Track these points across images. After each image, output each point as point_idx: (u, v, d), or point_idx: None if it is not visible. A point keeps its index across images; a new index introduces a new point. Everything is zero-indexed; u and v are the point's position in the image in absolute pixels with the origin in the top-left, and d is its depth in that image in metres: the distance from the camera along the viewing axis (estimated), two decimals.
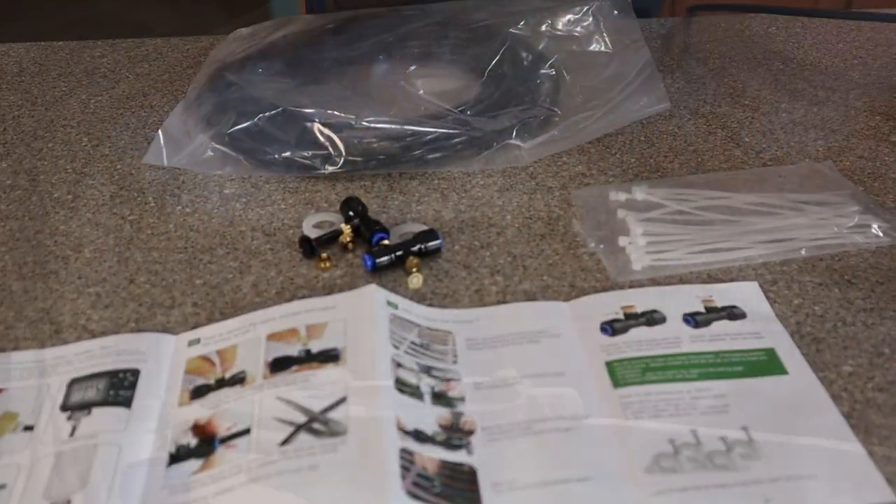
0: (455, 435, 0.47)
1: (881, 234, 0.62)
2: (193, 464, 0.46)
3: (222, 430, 0.47)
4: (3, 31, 3.80)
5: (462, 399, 0.49)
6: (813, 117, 0.78)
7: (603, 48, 0.77)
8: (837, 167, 0.70)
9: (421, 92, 0.72)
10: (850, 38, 0.92)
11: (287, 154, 0.68)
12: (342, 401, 0.47)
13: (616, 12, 0.78)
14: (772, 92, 0.82)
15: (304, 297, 0.57)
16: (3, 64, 0.91)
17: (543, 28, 0.79)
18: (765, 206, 0.65)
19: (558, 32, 0.79)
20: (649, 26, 0.94)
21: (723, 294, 0.57)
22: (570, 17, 0.80)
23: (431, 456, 0.45)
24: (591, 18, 0.79)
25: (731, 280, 0.58)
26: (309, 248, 0.61)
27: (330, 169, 0.68)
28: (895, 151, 0.72)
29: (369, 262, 0.59)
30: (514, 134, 0.70)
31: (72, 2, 4.13)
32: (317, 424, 0.46)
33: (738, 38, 0.92)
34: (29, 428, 0.48)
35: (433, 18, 0.85)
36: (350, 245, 0.61)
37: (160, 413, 0.49)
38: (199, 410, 0.49)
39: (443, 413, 0.48)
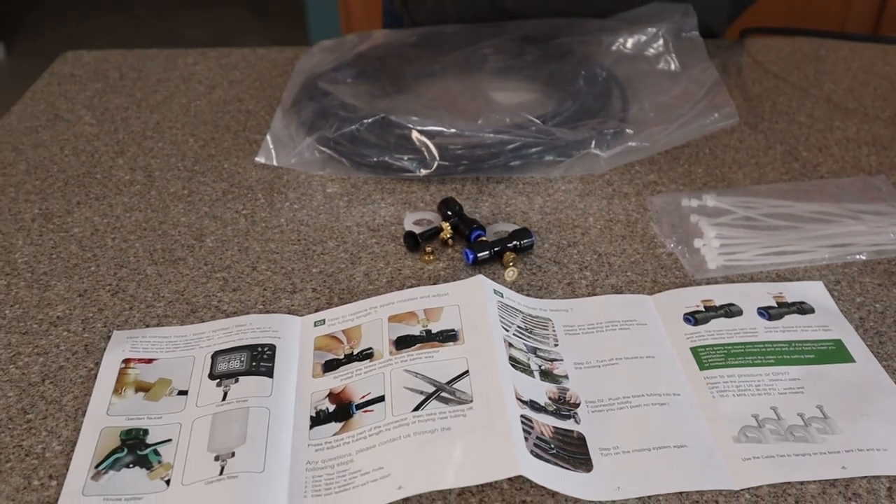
0: (563, 407, 0.53)
1: None
2: (334, 426, 0.52)
3: (357, 397, 0.53)
4: (41, 37, 3.88)
5: (566, 377, 0.55)
6: (865, 134, 0.84)
7: (672, 67, 0.83)
8: (890, 181, 0.76)
9: (505, 103, 0.78)
10: (893, 62, 0.97)
11: (385, 158, 0.75)
12: (465, 374, 0.53)
13: (683, 35, 0.85)
14: (825, 111, 0.88)
15: (412, 286, 0.64)
16: (105, 69, 0.98)
17: (615, 48, 0.86)
18: (825, 214, 0.71)
19: (629, 52, 0.85)
20: (705, 47, 1.00)
21: (792, 291, 0.63)
22: (640, 37, 0.86)
23: (546, 423, 0.51)
24: (660, 40, 0.85)
25: (798, 280, 0.65)
26: (413, 242, 0.67)
27: (424, 172, 0.74)
28: None
29: (471, 256, 0.65)
30: (593, 144, 0.76)
31: (105, 8, 4.22)
32: (445, 394, 0.52)
33: (789, 59, 0.98)
34: (182, 392, 0.55)
35: (510, 36, 0.91)
36: (450, 241, 0.68)
37: (297, 383, 0.56)
38: (333, 381, 0.55)
39: (551, 387, 0.54)
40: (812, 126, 0.85)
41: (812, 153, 0.81)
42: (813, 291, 0.63)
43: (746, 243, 0.68)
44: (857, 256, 0.67)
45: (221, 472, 0.49)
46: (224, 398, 0.54)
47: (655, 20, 0.88)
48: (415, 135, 0.75)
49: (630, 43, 0.86)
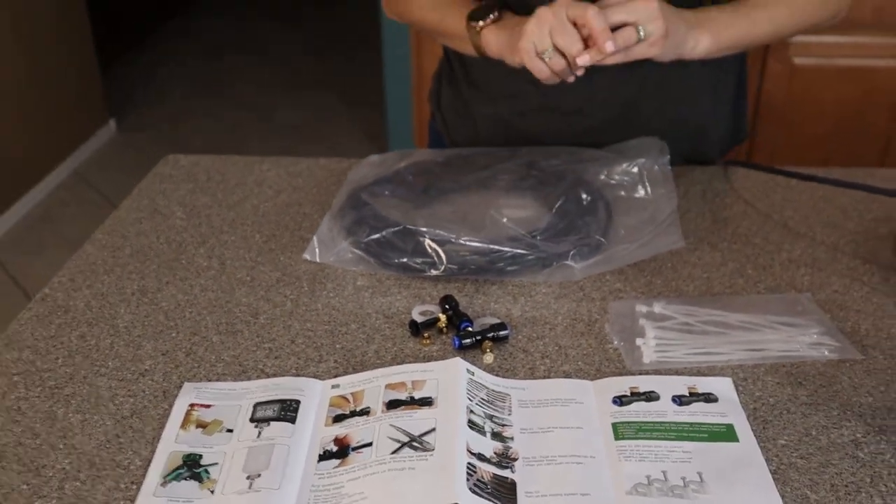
0: (504, 459, 0.71)
1: (831, 352, 0.84)
2: (335, 462, 0.71)
3: (354, 442, 0.73)
4: (149, 113, 4.25)
5: (512, 438, 0.74)
6: (807, 257, 1.00)
7: (644, 195, 1.02)
8: (815, 298, 0.93)
9: (505, 220, 0.98)
10: (852, 194, 1.14)
11: (404, 260, 0.95)
12: (432, 430, 0.72)
13: (656, 168, 1.04)
14: (779, 234, 1.05)
15: (410, 362, 0.83)
16: (196, 172, 1.22)
17: (602, 177, 1.05)
18: (750, 323, 0.88)
19: (612, 181, 1.04)
20: (692, 173, 1.19)
21: (704, 384, 0.80)
22: (622, 167, 1.05)
23: (487, 470, 0.70)
24: (636, 170, 1.04)
25: (714, 375, 0.82)
26: (415, 329, 0.87)
27: (434, 273, 0.94)
28: (863, 288, 0.94)
29: (457, 343, 0.84)
30: (570, 256, 0.95)
31: (208, 88, 4.59)
32: (415, 443, 0.71)
33: (762, 187, 1.16)
34: (230, 430, 0.75)
35: (520, 160, 1.12)
36: (445, 329, 0.87)
37: (313, 429, 0.75)
38: (339, 430, 0.75)
39: (497, 445, 0.73)
40: (764, 248, 1.02)
41: (757, 271, 0.98)
42: (721, 385, 0.80)
43: (679, 344, 0.85)
44: (767, 360, 0.84)
45: (249, 488, 0.68)
46: (258, 436, 0.74)
47: (638, 152, 1.07)
48: (427, 242, 0.95)
49: (614, 173, 1.05)
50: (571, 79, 0.98)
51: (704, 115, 1.20)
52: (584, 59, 0.94)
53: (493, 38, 1.03)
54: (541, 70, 0.97)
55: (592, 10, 0.92)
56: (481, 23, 1.04)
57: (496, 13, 1.04)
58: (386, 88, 3.43)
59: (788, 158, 2.65)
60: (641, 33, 0.94)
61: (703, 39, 1.02)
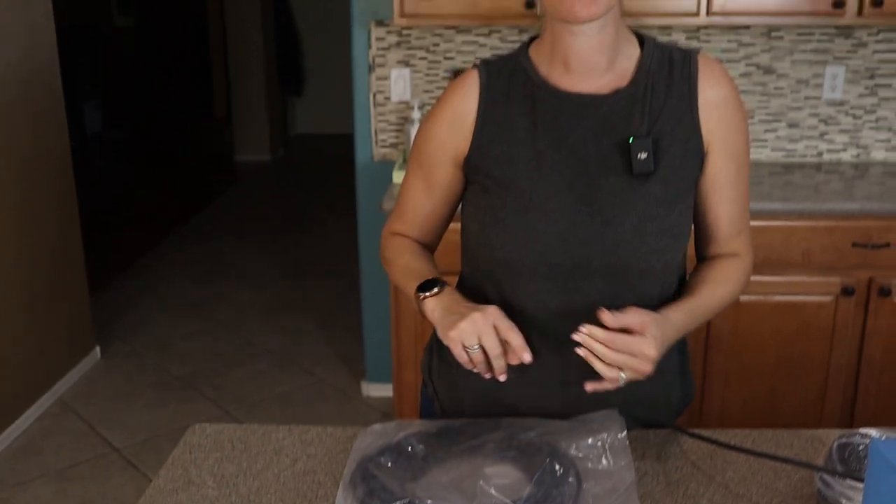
0: None
1: None
2: None
3: None
4: (133, 338, 4.41)
5: None
6: None
7: (606, 465, 1.22)
8: None
9: (492, 490, 1.17)
10: (781, 449, 1.35)
11: None
12: None
13: (616, 442, 1.25)
14: (722, 496, 1.25)
15: None
16: (221, 441, 1.41)
17: (572, 451, 1.25)
18: None
19: (580, 454, 1.25)
20: (647, 437, 1.40)
21: None
22: (588, 441, 1.26)
23: None
24: (600, 444, 1.25)
25: None
26: None
27: None
28: None
29: None
30: None
31: (189, 314, 4.80)
32: None
33: (706, 450, 1.37)
34: None
35: (503, 431, 1.32)
36: None
37: None
38: None
39: None
40: (712, 498, 1.22)
41: None
42: None
43: None
44: None
45: None
46: None
47: (600, 425, 1.28)
48: None
49: (582, 446, 1.26)
50: (502, 377, 1.29)
51: (655, 389, 1.43)
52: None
53: (430, 309, 1.34)
54: (460, 356, 1.28)
55: (515, 333, 1.27)
56: (422, 294, 1.35)
57: (437, 289, 1.35)
58: (363, 313, 3.66)
59: (738, 387, 2.90)
60: (622, 379, 1.24)
61: None
